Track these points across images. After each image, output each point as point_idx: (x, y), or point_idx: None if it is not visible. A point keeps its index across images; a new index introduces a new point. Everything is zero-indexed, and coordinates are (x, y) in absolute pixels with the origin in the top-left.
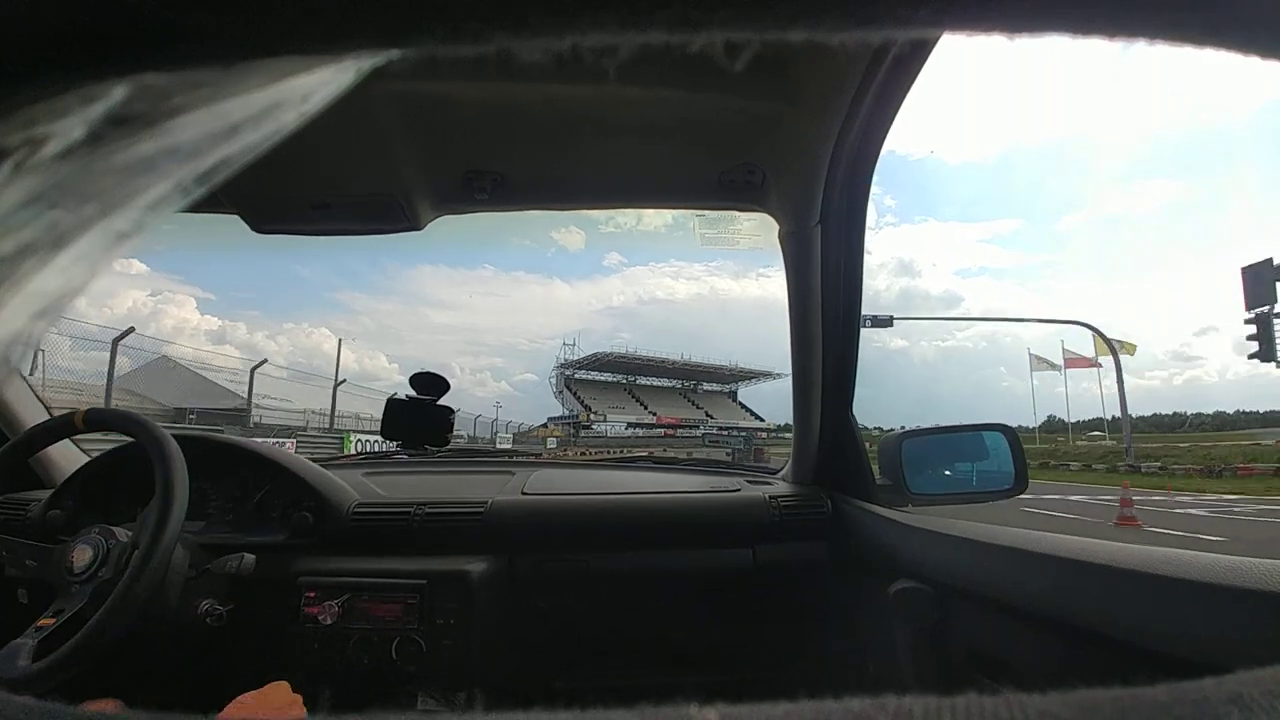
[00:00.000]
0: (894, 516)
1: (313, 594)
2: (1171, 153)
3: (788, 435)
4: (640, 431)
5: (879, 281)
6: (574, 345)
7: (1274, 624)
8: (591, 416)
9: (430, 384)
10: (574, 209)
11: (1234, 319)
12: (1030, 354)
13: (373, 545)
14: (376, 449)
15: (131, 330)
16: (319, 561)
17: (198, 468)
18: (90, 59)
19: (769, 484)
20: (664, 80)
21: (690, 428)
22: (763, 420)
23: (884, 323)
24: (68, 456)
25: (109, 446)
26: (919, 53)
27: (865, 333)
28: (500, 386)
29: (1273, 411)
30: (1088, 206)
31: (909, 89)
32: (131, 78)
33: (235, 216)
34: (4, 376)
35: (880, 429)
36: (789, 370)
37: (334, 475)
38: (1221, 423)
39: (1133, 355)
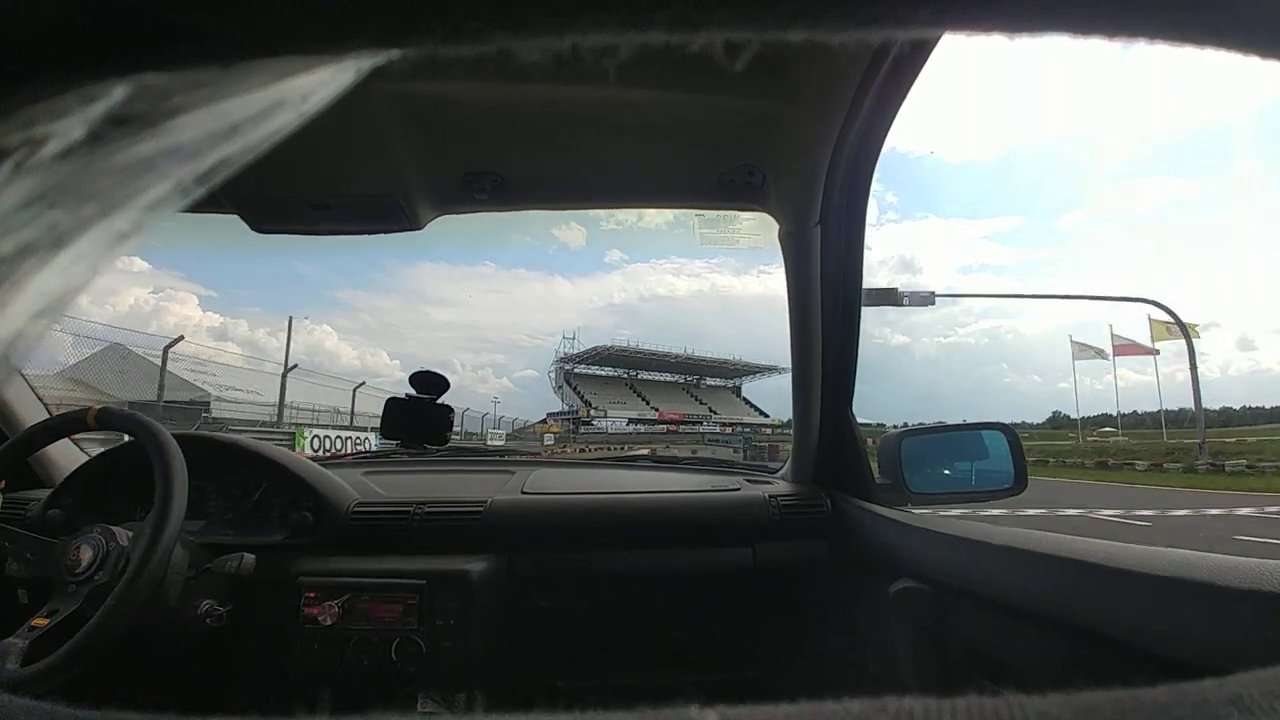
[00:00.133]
0: (894, 516)
1: (312, 594)
2: (1172, 151)
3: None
4: (642, 428)
5: (880, 278)
6: (574, 339)
7: (1274, 624)
8: (592, 412)
9: (430, 383)
10: (574, 209)
11: (1235, 315)
12: (1072, 341)
13: (372, 545)
14: (340, 447)
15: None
16: (318, 561)
17: (197, 467)
18: (90, 59)
19: (769, 483)
20: (664, 80)
21: (694, 423)
22: (768, 416)
23: (924, 300)
24: (67, 456)
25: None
26: (919, 53)
27: (865, 329)
28: (501, 383)
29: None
30: (1088, 204)
31: (909, 89)
32: (131, 78)
33: (235, 216)
34: (4, 377)
35: (883, 425)
36: None
37: (333, 474)
38: (1228, 418)
39: (1199, 340)
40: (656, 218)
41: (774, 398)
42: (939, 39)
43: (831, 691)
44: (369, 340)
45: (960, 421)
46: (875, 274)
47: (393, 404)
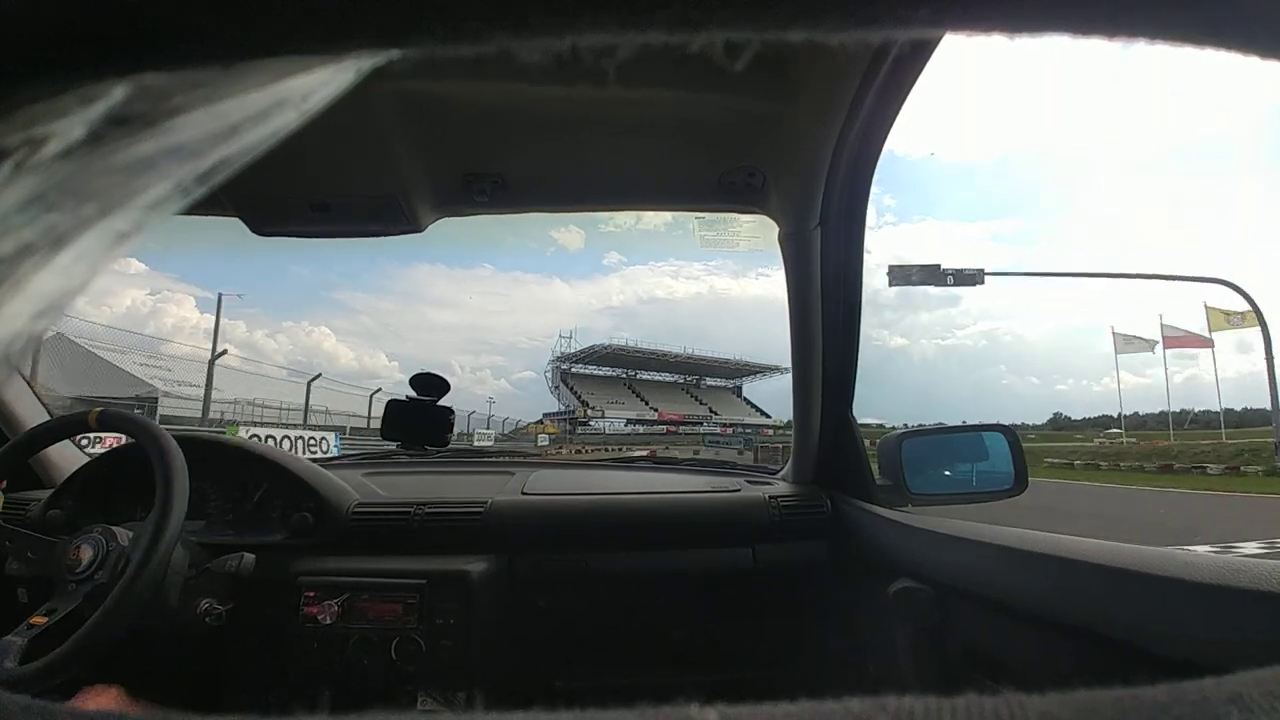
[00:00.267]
0: (894, 516)
1: (312, 594)
2: (1172, 151)
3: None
4: (641, 428)
5: (878, 280)
6: (571, 338)
7: (1274, 624)
8: (589, 412)
9: (430, 385)
10: (574, 210)
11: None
12: (1114, 333)
13: (372, 545)
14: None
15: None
16: (318, 561)
17: (198, 468)
18: (90, 59)
19: (769, 484)
20: (664, 81)
21: (694, 424)
22: (769, 416)
23: (971, 279)
24: (67, 456)
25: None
26: (919, 53)
27: (864, 331)
28: (500, 384)
29: None
30: (1087, 205)
31: (909, 89)
32: (131, 78)
33: (235, 219)
34: (4, 377)
35: (882, 426)
36: None
37: (333, 475)
38: (1230, 420)
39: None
40: (655, 220)
41: (776, 399)
42: (939, 39)
43: (832, 692)
44: (368, 342)
45: (959, 424)
46: (874, 276)
47: (393, 406)
